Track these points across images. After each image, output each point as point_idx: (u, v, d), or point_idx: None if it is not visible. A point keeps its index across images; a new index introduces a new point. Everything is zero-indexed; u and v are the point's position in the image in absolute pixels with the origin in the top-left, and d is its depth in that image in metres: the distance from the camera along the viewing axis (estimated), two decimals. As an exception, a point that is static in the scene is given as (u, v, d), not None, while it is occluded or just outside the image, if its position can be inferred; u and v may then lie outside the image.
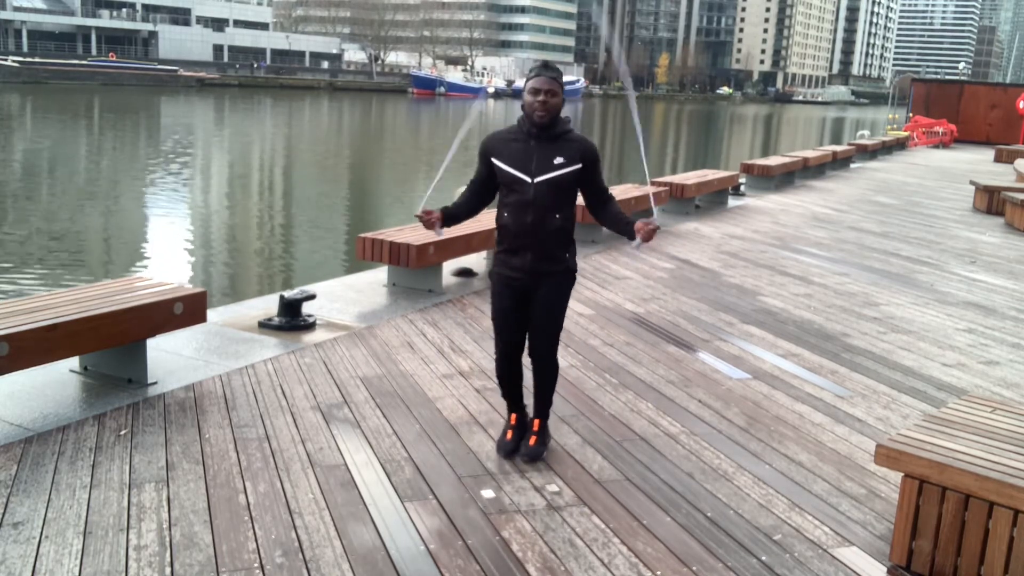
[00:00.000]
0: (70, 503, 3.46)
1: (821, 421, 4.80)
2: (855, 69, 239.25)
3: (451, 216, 4.02)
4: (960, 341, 6.61)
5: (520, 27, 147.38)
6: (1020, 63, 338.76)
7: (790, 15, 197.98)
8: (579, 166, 3.81)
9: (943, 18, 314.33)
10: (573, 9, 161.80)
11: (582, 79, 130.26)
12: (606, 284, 7.70)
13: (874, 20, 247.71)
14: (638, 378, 5.31)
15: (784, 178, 16.62)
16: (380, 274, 7.37)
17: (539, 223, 3.79)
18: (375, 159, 32.29)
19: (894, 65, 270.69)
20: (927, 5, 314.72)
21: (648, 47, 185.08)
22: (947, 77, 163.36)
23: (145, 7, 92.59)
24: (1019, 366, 6.08)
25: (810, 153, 18.96)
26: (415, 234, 6.93)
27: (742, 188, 14.79)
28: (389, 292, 7.01)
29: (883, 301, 7.75)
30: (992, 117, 33.33)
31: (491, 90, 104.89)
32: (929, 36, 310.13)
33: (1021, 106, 32.24)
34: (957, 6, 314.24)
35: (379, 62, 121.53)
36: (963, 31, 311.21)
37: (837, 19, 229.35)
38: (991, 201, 14.42)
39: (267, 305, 6.38)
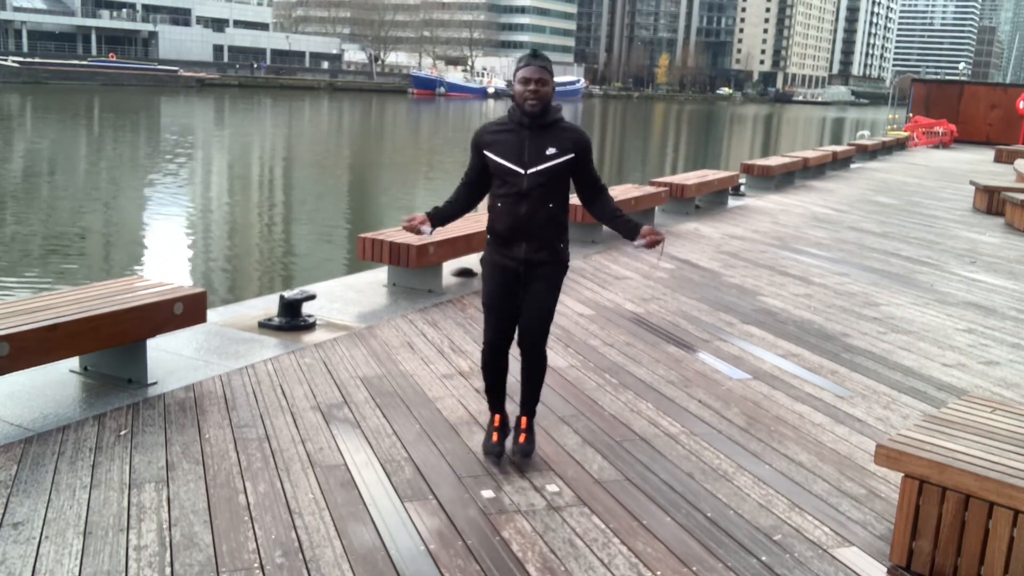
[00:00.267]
0: (70, 503, 3.46)
1: (821, 421, 4.80)
2: (855, 69, 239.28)
3: (443, 216, 3.99)
4: (960, 341, 6.61)
5: (520, 27, 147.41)
6: (1020, 63, 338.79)
7: (790, 15, 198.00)
8: (571, 156, 3.80)
9: (943, 18, 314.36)
10: (573, 9, 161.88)
11: (582, 79, 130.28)
12: (606, 284, 7.70)
13: (874, 20, 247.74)
14: (638, 378, 5.31)
15: (784, 178, 16.62)
16: (380, 274, 7.37)
17: (533, 214, 3.77)
18: (375, 159, 32.31)
19: (894, 65, 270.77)
20: (927, 5, 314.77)
21: (648, 47, 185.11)
22: (947, 77, 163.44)
23: (145, 7, 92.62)
24: (1019, 366, 6.08)
25: (810, 153, 18.96)
26: (415, 234, 6.92)
27: (742, 188, 14.79)
28: (389, 292, 7.01)
29: (883, 301, 7.75)
30: (992, 117, 33.33)
31: (491, 90, 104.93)
32: (929, 36, 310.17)
33: (1021, 106, 32.23)
34: (957, 6, 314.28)
35: (379, 62, 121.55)
36: (963, 31, 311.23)
37: (837, 19, 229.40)
38: (991, 201, 14.42)
39: (267, 305, 6.38)
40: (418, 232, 3.97)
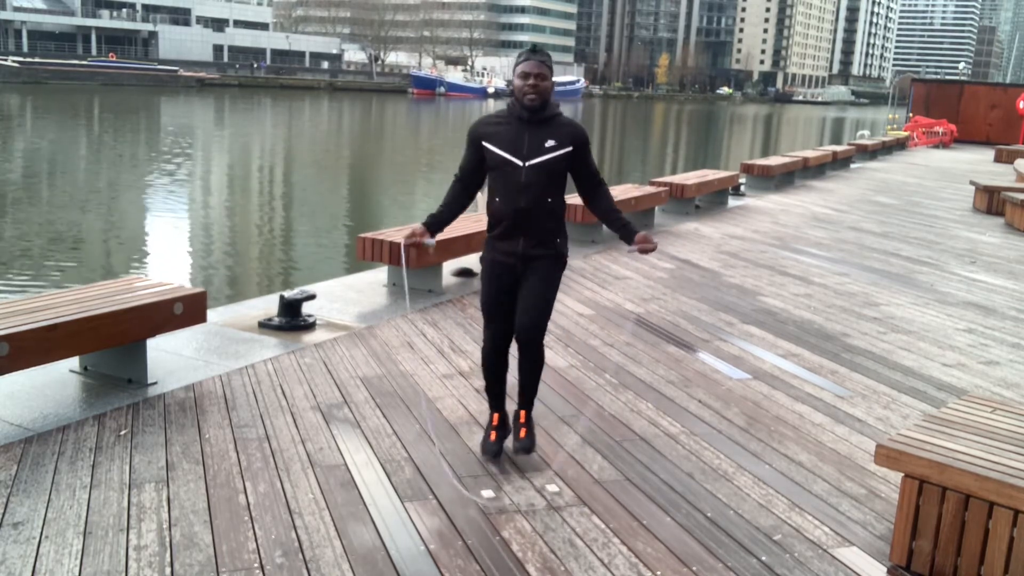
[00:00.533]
0: (70, 503, 3.46)
1: (821, 421, 4.80)
2: (855, 69, 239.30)
3: (439, 222, 3.96)
4: (960, 341, 6.61)
5: (520, 27, 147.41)
6: (1020, 63, 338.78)
7: (790, 15, 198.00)
8: (570, 149, 3.80)
9: (943, 18, 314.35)
10: (573, 9, 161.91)
11: (582, 79, 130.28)
12: (606, 284, 7.70)
13: (874, 20, 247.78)
14: (638, 378, 5.31)
15: (784, 178, 16.62)
16: (380, 274, 7.37)
17: (531, 207, 3.76)
18: (375, 159, 32.31)
19: (894, 65, 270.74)
20: (927, 5, 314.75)
21: (648, 47, 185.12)
22: (947, 77, 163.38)
23: (145, 7, 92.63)
24: (1019, 366, 6.08)
25: (810, 153, 18.96)
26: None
27: (742, 188, 14.79)
28: (389, 292, 7.00)
29: (883, 301, 7.75)
30: (992, 117, 33.33)
31: (491, 90, 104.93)
32: (929, 36, 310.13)
33: (1021, 106, 32.24)
34: (957, 6, 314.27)
35: (379, 62, 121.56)
36: (963, 31, 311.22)
37: (837, 19, 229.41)
38: (991, 201, 14.42)
39: (267, 305, 6.38)
40: (421, 246, 3.94)
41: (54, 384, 4.66)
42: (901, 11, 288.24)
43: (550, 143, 3.77)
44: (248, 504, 3.52)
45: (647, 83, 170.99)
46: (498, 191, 3.82)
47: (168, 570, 3.04)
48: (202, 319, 4.98)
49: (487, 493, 3.72)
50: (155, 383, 4.75)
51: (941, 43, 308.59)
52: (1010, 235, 12.28)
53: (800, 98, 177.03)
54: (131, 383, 4.71)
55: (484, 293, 3.94)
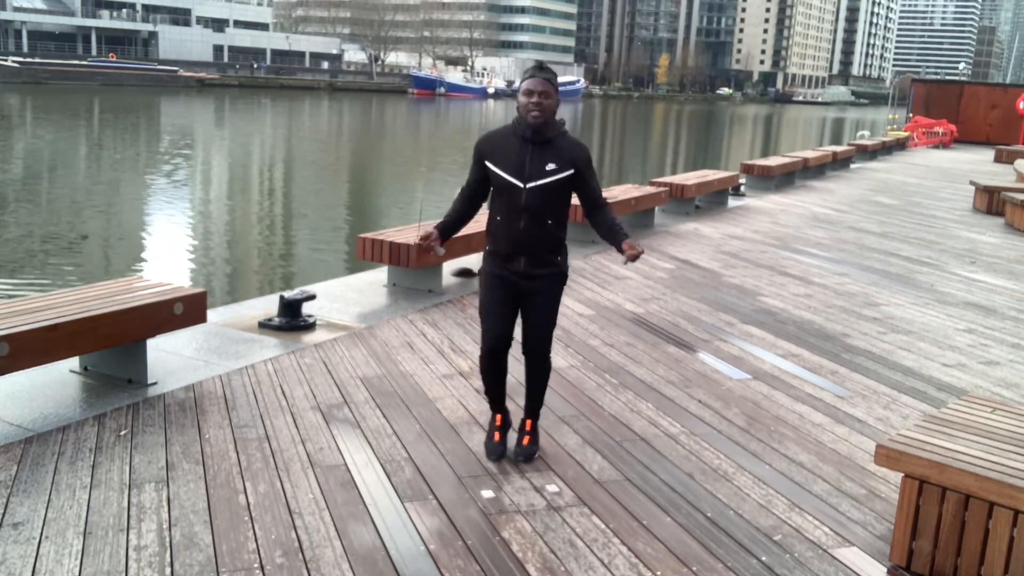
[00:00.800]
0: (70, 503, 3.46)
1: (821, 421, 4.80)
2: (855, 69, 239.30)
3: (446, 229, 3.99)
4: (960, 341, 6.61)
5: (520, 27, 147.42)
6: (1020, 63, 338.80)
7: (790, 15, 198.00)
8: (571, 171, 3.80)
9: (943, 18, 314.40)
10: (573, 9, 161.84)
11: (582, 79, 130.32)
12: (606, 284, 7.70)
13: (874, 20, 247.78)
14: (638, 378, 5.31)
15: (784, 178, 16.62)
16: (380, 274, 7.37)
17: (531, 228, 3.78)
18: (375, 159, 32.30)
19: (894, 65, 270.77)
20: (927, 5, 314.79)
21: (648, 47, 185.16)
22: (947, 77, 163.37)
23: (145, 7, 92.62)
24: (1019, 366, 6.08)
25: (810, 153, 18.96)
26: (415, 234, 6.93)
27: (742, 188, 14.79)
28: (389, 292, 7.01)
29: (883, 301, 7.75)
30: (992, 117, 33.34)
31: (491, 90, 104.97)
32: (929, 36, 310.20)
33: (1021, 106, 32.24)
34: (957, 6, 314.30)
35: (379, 62, 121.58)
36: (963, 31, 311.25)
37: (837, 19, 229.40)
38: (991, 201, 14.42)
39: (267, 305, 6.38)
40: (431, 251, 3.95)
41: (54, 384, 4.67)
42: (901, 11, 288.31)
43: (551, 166, 3.76)
44: (248, 504, 3.52)
45: (647, 83, 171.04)
46: (499, 211, 3.84)
47: (168, 570, 3.04)
48: (202, 319, 4.99)
49: (487, 493, 3.72)
50: (155, 383, 4.75)
51: (941, 43, 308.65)
52: (1010, 235, 12.28)
53: (800, 98, 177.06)
54: (131, 383, 4.71)
55: (483, 302, 3.96)
